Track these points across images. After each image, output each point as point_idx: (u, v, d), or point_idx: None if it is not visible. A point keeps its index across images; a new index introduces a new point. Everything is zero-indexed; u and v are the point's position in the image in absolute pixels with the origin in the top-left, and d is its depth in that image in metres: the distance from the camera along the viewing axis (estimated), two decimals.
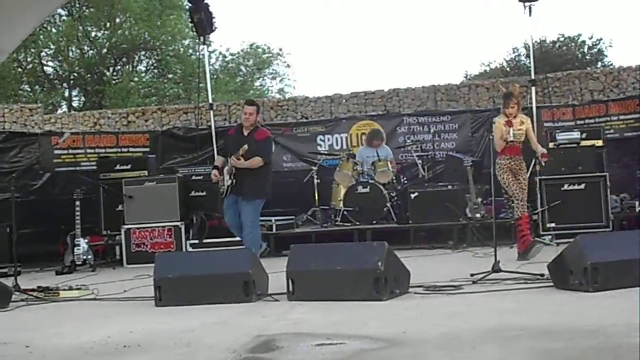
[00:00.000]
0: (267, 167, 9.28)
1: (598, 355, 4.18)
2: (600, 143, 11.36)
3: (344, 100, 14.49)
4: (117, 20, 26.23)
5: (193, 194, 11.88)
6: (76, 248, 10.75)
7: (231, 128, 10.73)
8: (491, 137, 8.74)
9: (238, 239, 10.07)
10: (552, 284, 6.63)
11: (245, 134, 9.29)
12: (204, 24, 13.13)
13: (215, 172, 9.33)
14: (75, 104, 27.07)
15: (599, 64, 26.07)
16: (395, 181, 12.01)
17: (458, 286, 6.90)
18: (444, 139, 13.32)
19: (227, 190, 9.22)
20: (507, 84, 9.50)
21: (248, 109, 9.32)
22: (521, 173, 8.91)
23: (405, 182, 12.26)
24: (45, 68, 26.71)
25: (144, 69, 28.42)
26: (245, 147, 8.94)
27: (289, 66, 32.25)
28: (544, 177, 10.81)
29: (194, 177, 12.06)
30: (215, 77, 26.40)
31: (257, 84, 32.36)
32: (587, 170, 10.72)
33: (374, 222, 11.62)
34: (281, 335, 5.19)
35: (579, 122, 12.71)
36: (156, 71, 28.22)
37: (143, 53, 27.35)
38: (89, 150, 13.07)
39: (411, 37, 54.28)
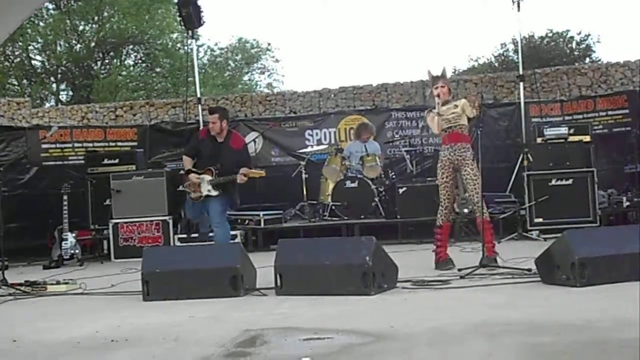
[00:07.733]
0: None
1: (585, 350, 4.20)
2: (587, 138, 11.40)
3: (332, 95, 14.48)
4: (105, 14, 26.10)
5: (181, 188, 11.80)
6: (63, 242, 10.73)
7: (202, 129, 10.29)
8: (479, 133, 7.77)
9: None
10: (539, 279, 6.65)
11: (219, 140, 9.25)
12: (191, 17, 13.11)
13: (193, 175, 9.28)
14: (62, 98, 26.95)
15: (587, 60, 26.14)
16: (383, 176, 12.01)
17: (446, 281, 6.91)
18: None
19: (200, 198, 9.26)
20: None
21: (211, 117, 9.27)
22: (465, 164, 7.81)
23: (393, 176, 12.25)
24: (33, 61, 26.54)
25: (131, 63, 28.34)
26: (262, 172, 9.20)
27: (277, 60, 32.34)
28: (531, 172, 10.86)
29: (181, 171, 11.98)
30: (203, 71, 26.33)
31: (245, 78, 32.37)
32: (574, 165, 10.74)
33: (362, 216, 11.62)
34: (269, 329, 5.19)
35: (566, 118, 12.78)
36: (144, 65, 28.12)
37: (131, 47, 27.23)
38: (76, 144, 13.04)
39: (399, 32, 54.36)
